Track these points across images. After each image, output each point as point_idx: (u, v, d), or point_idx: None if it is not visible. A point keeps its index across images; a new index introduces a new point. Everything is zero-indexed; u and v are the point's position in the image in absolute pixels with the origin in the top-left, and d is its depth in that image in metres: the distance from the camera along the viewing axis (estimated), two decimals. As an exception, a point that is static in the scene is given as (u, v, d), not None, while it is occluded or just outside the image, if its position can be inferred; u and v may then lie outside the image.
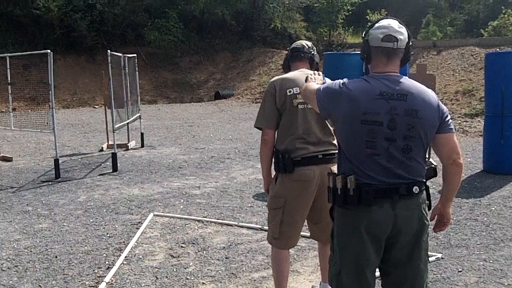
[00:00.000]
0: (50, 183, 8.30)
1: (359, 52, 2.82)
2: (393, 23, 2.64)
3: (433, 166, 2.80)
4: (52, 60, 8.43)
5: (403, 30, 2.64)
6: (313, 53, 3.83)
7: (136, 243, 5.34)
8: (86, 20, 25.22)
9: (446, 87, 16.51)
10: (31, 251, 5.18)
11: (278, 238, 3.67)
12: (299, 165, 3.49)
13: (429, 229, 2.75)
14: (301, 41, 4.03)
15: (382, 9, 24.31)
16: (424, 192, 2.69)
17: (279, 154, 3.55)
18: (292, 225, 3.64)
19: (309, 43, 3.91)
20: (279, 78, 3.71)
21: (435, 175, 2.78)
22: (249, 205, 6.79)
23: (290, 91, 3.56)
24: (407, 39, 2.65)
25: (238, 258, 4.91)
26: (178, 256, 4.98)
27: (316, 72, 3.17)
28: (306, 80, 3.02)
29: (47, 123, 9.30)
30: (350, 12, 25.47)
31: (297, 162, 3.49)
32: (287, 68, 3.93)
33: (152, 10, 27.85)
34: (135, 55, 12.62)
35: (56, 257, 5.01)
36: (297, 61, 3.82)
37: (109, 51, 9.59)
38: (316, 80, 2.97)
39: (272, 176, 3.75)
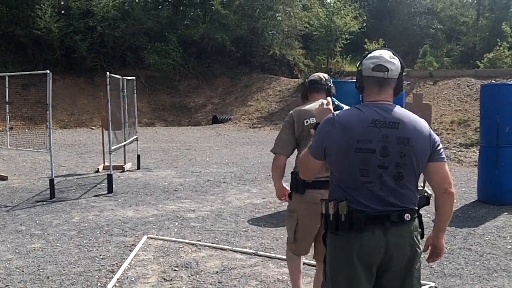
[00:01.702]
0: (44, 203, 8.28)
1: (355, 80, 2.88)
2: (384, 54, 2.71)
3: (425, 194, 2.82)
4: (51, 80, 8.48)
5: (395, 60, 2.70)
6: (330, 85, 4.13)
7: (129, 266, 5.32)
8: (86, 41, 25.46)
9: (442, 117, 16.60)
10: (23, 271, 5.15)
11: (293, 242, 4.10)
12: (310, 188, 3.83)
13: (422, 258, 2.76)
14: (318, 73, 4.34)
15: (380, 39, 24.54)
16: (417, 220, 2.71)
17: (294, 175, 3.96)
18: (304, 236, 4.04)
19: (326, 76, 4.22)
20: (297, 109, 4.06)
21: (427, 203, 2.79)
22: (244, 229, 6.77)
23: (307, 121, 3.90)
24: (399, 69, 2.70)
25: (231, 283, 4.89)
26: (171, 279, 4.96)
27: (326, 99, 3.16)
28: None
29: (44, 143, 9.31)
30: (348, 41, 25.70)
31: (308, 185, 3.82)
32: (305, 98, 4.22)
33: (152, 34, 28.11)
34: (133, 77, 12.70)
35: (48, 277, 4.98)
36: (315, 92, 4.10)
37: (108, 73, 9.65)
38: (325, 109, 2.96)
39: (285, 187, 4.28)
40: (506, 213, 7.59)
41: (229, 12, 28.23)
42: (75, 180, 10.37)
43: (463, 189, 9.33)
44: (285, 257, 5.57)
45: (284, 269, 5.24)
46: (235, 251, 5.85)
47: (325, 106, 2.96)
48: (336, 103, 2.95)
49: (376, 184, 2.60)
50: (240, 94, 26.91)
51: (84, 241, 6.20)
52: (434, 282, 4.89)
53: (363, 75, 2.72)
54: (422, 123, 2.71)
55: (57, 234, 6.47)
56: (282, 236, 6.41)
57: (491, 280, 4.99)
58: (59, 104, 23.15)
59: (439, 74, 20.75)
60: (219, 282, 4.89)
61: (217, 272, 5.17)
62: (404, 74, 2.77)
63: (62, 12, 27.24)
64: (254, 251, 5.80)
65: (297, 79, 26.48)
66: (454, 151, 13.61)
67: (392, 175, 2.60)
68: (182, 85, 28.29)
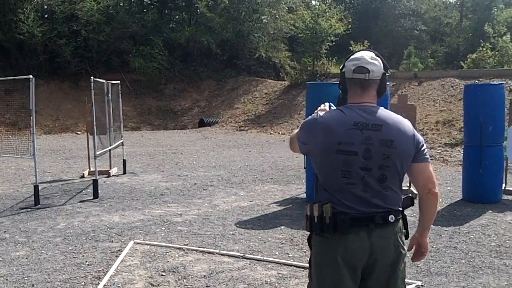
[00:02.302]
0: (29, 210, 8.19)
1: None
2: (366, 55, 2.71)
3: (410, 195, 2.83)
4: (33, 85, 8.40)
5: (377, 61, 2.70)
6: None
7: (115, 272, 5.28)
8: (70, 46, 25.28)
9: (427, 117, 16.72)
10: (7, 279, 5.09)
11: None
12: None
13: (407, 258, 2.77)
14: None
15: (365, 41, 24.66)
16: (401, 221, 2.72)
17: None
18: None
19: None
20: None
21: (412, 204, 2.80)
22: (231, 232, 6.76)
23: None
24: (382, 70, 2.71)
25: (219, 286, 4.88)
26: (158, 284, 4.94)
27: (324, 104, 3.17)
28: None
29: (28, 148, 9.23)
30: (334, 43, 25.81)
31: None
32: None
33: (137, 37, 28.01)
34: (118, 81, 12.63)
35: (33, 285, 4.93)
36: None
37: (92, 77, 9.59)
38: (322, 111, 2.97)
39: None
40: (490, 211, 7.66)
41: (214, 15, 28.22)
42: (60, 186, 10.29)
43: (448, 188, 9.39)
44: (272, 259, 5.58)
45: (272, 272, 5.24)
46: (222, 254, 5.84)
47: (322, 107, 2.98)
48: (333, 108, 2.95)
49: (359, 186, 2.60)
50: (226, 97, 26.90)
51: (70, 248, 6.14)
52: (421, 281, 4.92)
53: (346, 77, 2.73)
54: (406, 124, 2.71)
55: (42, 241, 6.40)
56: (270, 239, 6.42)
57: (476, 277, 5.03)
58: (44, 109, 22.97)
59: (423, 75, 20.91)
60: (206, 286, 4.88)
61: (204, 276, 5.15)
62: (387, 75, 2.77)
63: (46, 16, 27.05)
64: (241, 254, 5.79)
65: (283, 82, 26.52)
66: (439, 151, 13.71)
67: (375, 177, 2.61)
68: (168, 89, 28.22)
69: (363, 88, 2.69)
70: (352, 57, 2.75)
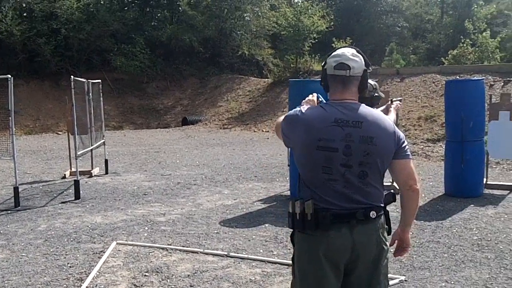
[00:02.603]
0: (8, 212, 8.07)
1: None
2: (347, 52, 2.71)
3: (392, 191, 2.83)
4: (12, 85, 8.28)
5: (358, 58, 2.70)
6: (375, 94, 4.07)
7: (98, 273, 5.23)
8: (50, 45, 24.97)
9: (409, 113, 16.80)
10: (-13, 282, 5.02)
11: None
12: None
13: (389, 253, 2.77)
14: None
15: (348, 38, 24.72)
16: (383, 217, 2.73)
17: None
18: None
19: (373, 83, 4.17)
20: None
21: (393, 200, 2.81)
22: (215, 231, 6.73)
23: None
24: (363, 67, 2.71)
25: (203, 285, 4.85)
26: (141, 285, 4.90)
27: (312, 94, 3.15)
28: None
29: (7, 149, 9.10)
30: (316, 40, 25.80)
31: None
32: None
33: (118, 36, 27.77)
34: (99, 80, 12.51)
35: None
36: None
37: (72, 76, 9.48)
38: (309, 102, 2.96)
39: None
40: (472, 205, 7.74)
41: (196, 12, 28.09)
42: (41, 187, 10.16)
43: (431, 183, 9.45)
44: (257, 257, 5.56)
45: (256, 269, 5.23)
46: (206, 253, 5.81)
47: (310, 97, 2.97)
48: (320, 100, 2.95)
49: (340, 182, 2.60)
50: (209, 95, 26.81)
51: (51, 250, 6.07)
52: (404, 275, 4.95)
53: (327, 73, 2.74)
54: (387, 121, 2.72)
55: (23, 244, 6.32)
56: (254, 237, 6.41)
57: (459, 271, 5.07)
58: (24, 109, 22.69)
59: (405, 71, 21.00)
60: (190, 286, 4.85)
61: (188, 275, 5.12)
62: (369, 71, 2.77)
63: (24, 14, 26.59)
64: (226, 253, 5.77)
65: (266, 79, 26.50)
66: (422, 146, 13.79)
67: (356, 174, 2.61)
68: (150, 87, 28.05)
69: (344, 84, 2.69)
70: (333, 53, 2.75)
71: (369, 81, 4.33)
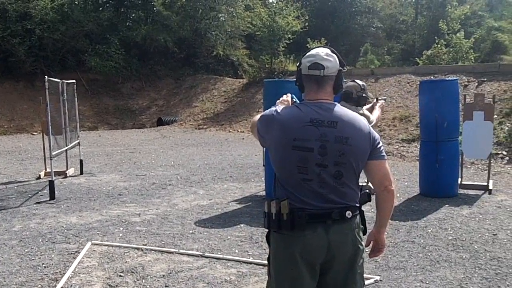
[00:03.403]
0: (-18, 212, 7.97)
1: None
2: (321, 52, 2.72)
3: (367, 191, 2.84)
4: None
5: (332, 58, 2.71)
6: (362, 95, 4.16)
7: (72, 273, 5.18)
8: (24, 45, 24.68)
9: (384, 114, 16.92)
10: (-41, 284, 4.94)
11: None
12: None
13: (364, 254, 2.79)
14: (353, 83, 4.37)
15: (322, 38, 24.84)
16: (358, 216, 2.73)
17: None
18: None
19: (361, 83, 4.24)
20: None
21: (369, 200, 2.81)
22: (191, 231, 6.71)
23: None
24: (337, 67, 2.71)
25: (178, 286, 4.83)
26: (116, 285, 4.86)
27: (286, 95, 3.15)
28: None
29: (-20, 150, 8.96)
30: (291, 41, 25.88)
31: None
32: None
33: (93, 36, 27.53)
34: (74, 81, 12.38)
35: (-14, 290, 4.80)
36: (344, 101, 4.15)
37: (46, 77, 9.38)
38: (284, 102, 2.97)
39: None
40: (447, 205, 7.82)
41: (171, 13, 27.98)
42: (15, 187, 10.02)
43: (406, 183, 9.55)
44: (232, 257, 5.56)
45: (232, 270, 5.23)
46: (181, 253, 5.79)
47: (284, 98, 2.97)
48: (294, 100, 2.96)
49: (315, 182, 2.60)
50: (184, 96, 26.72)
51: (26, 250, 6.00)
52: (379, 275, 4.97)
53: (302, 73, 2.74)
54: (362, 122, 2.72)
55: (-4, 244, 6.23)
56: (229, 237, 6.40)
57: (434, 271, 5.12)
58: (-3, 110, 22.40)
59: (380, 71, 21.16)
60: (166, 286, 4.83)
61: (163, 275, 5.10)
62: (344, 71, 2.78)
63: (-2, 14, 26.32)
64: (201, 253, 5.75)
65: (241, 80, 26.51)
66: (397, 146, 13.92)
67: (331, 174, 2.61)
68: (125, 88, 27.85)
69: (319, 84, 2.70)
70: (307, 54, 2.76)
71: (358, 81, 4.39)
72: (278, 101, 2.97)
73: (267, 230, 2.79)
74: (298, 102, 2.88)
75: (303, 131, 2.59)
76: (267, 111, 2.79)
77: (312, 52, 2.74)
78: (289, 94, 3.05)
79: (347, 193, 2.66)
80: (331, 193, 2.62)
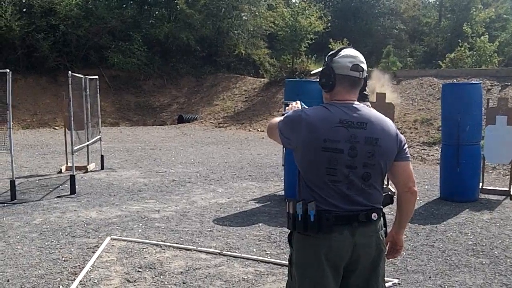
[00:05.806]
0: (5, 204, 8.08)
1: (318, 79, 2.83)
2: (358, 53, 2.69)
3: (389, 193, 2.82)
4: (10, 79, 8.28)
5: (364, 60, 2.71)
6: (363, 92, 4.22)
7: (91, 267, 5.23)
8: (48, 40, 25.02)
9: (406, 116, 16.84)
10: (-19, 275, 5.02)
11: None
12: None
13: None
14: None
15: (344, 39, 24.76)
16: (382, 218, 2.71)
17: None
18: None
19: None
20: None
21: (391, 202, 2.79)
22: (209, 229, 6.74)
23: None
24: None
25: (196, 283, 4.85)
26: (135, 280, 4.90)
27: (295, 102, 3.12)
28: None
29: (4, 143, 9.09)
30: (313, 41, 25.86)
31: None
32: None
33: (116, 33, 27.78)
34: (97, 77, 12.50)
35: (8, 281, 4.86)
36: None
37: (70, 72, 9.49)
38: (293, 108, 2.95)
39: None
40: (467, 209, 7.74)
41: (194, 11, 28.10)
42: (37, 181, 10.16)
43: (426, 186, 9.47)
44: (250, 256, 5.57)
45: (249, 268, 5.23)
46: (199, 251, 5.81)
47: (293, 105, 2.95)
48: (304, 107, 2.93)
49: (344, 184, 2.57)
50: (205, 94, 26.81)
51: (46, 243, 6.07)
52: (398, 278, 4.94)
53: (337, 73, 2.65)
54: (389, 123, 2.70)
55: (18, 236, 6.32)
56: (247, 236, 6.41)
57: (453, 276, 5.07)
58: (21, 104, 22.69)
59: (402, 74, 21.03)
60: (183, 283, 4.85)
61: (181, 272, 5.12)
62: (366, 75, 2.77)
63: (24, 10, 26.60)
64: (219, 251, 5.77)
65: (262, 79, 26.52)
66: (418, 149, 13.81)
67: (359, 175, 2.58)
68: (147, 85, 28.04)
69: (353, 86, 2.67)
70: (344, 53, 2.67)
71: None
72: (287, 107, 2.95)
73: (285, 230, 2.77)
74: (305, 107, 2.84)
75: (333, 132, 2.56)
76: (292, 113, 2.72)
77: (350, 52, 2.67)
78: (298, 102, 3.02)
79: (373, 194, 2.63)
80: (358, 195, 2.59)
